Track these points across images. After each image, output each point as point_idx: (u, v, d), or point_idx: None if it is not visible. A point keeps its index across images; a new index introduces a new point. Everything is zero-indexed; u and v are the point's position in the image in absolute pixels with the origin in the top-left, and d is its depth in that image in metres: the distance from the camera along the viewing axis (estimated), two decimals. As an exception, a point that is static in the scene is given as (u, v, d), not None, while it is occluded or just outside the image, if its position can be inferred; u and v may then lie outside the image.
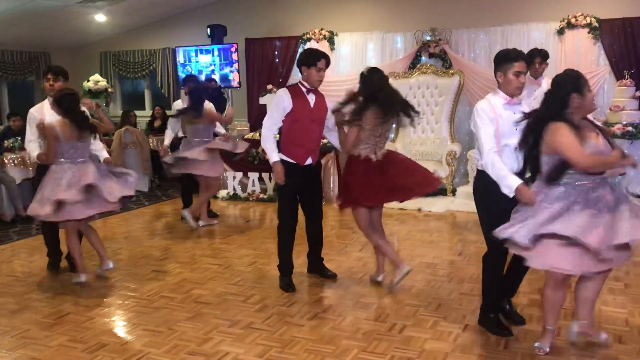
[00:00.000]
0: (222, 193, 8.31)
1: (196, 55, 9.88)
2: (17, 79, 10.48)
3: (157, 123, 9.96)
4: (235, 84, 9.75)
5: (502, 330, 3.68)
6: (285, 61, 9.50)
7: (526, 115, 3.38)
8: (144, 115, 10.61)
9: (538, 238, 3.17)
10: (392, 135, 8.25)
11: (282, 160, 4.45)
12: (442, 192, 7.85)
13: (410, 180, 4.37)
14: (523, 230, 3.20)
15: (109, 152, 5.78)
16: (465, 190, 7.65)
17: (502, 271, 3.73)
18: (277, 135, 4.63)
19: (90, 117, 4.89)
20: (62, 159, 4.61)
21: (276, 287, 4.60)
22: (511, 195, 3.37)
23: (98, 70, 10.73)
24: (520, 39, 8.16)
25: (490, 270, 3.71)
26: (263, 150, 8.25)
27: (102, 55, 10.99)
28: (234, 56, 9.65)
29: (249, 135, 8.56)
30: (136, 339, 3.74)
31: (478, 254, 5.35)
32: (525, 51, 4.46)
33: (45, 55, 10.69)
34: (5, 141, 7.55)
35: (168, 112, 9.80)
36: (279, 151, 4.46)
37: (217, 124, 6.87)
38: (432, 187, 4.49)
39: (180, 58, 10.01)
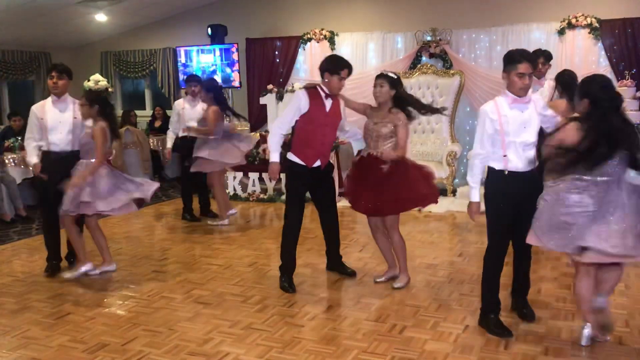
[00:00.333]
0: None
1: (197, 55, 9.88)
2: (17, 79, 10.49)
3: (157, 123, 9.97)
4: (235, 84, 9.75)
5: (502, 331, 3.68)
6: (286, 61, 9.51)
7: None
8: (144, 115, 10.62)
9: None
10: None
11: (290, 161, 4.49)
12: (442, 192, 7.83)
13: (406, 194, 4.39)
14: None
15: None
16: (466, 191, 7.62)
17: (500, 272, 3.74)
18: (289, 135, 4.66)
19: None
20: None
21: (276, 288, 4.60)
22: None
23: (98, 69, 10.73)
24: (520, 39, 8.16)
25: (491, 271, 3.72)
26: (264, 150, 8.31)
27: (103, 55, 10.99)
28: (235, 56, 9.66)
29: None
30: (136, 339, 3.74)
31: (478, 254, 5.36)
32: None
33: (46, 55, 10.69)
34: (6, 141, 7.56)
35: (168, 112, 9.81)
36: (290, 150, 4.50)
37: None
38: (424, 204, 4.64)
39: (182, 58, 10.01)
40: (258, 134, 8.65)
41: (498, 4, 8.38)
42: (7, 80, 10.44)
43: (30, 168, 5.05)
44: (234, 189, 8.23)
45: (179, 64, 10.08)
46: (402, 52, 8.89)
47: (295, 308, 4.22)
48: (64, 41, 10.53)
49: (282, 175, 7.89)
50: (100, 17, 9.45)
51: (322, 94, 4.45)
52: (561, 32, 7.97)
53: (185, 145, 6.86)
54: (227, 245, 5.97)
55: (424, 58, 8.70)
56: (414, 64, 8.72)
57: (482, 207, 3.71)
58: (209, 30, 9.66)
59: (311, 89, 4.48)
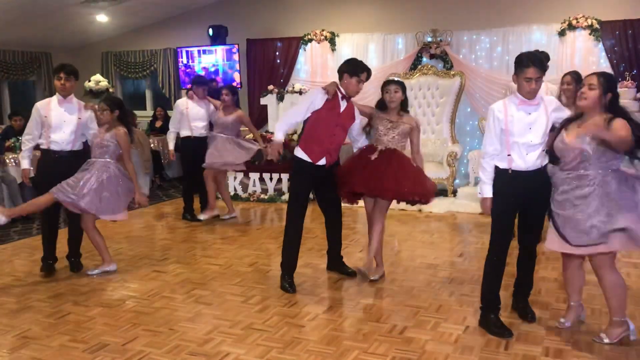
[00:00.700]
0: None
1: (199, 56, 9.89)
2: (18, 79, 10.50)
3: (158, 123, 9.98)
4: (236, 84, 9.75)
5: (502, 331, 3.68)
6: (287, 62, 9.52)
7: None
8: (145, 116, 10.63)
9: None
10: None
11: (296, 158, 4.54)
12: (443, 193, 7.85)
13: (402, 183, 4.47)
14: None
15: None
16: (466, 192, 7.65)
17: (502, 272, 3.74)
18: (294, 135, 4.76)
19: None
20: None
21: (277, 288, 4.60)
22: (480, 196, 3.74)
23: (99, 70, 10.74)
24: (521, 40, 8.17)
25: (492, 271, 3.73)
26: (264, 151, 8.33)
27: (104, 55, 11.00)
28: (235, 57, 9.66)
29: (250, 136, 8.55)
30: (137, 339, 3.74)
31: (479, 255, 5.37)
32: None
33: (47, 56, 10.70)
34: (7, 140, 7.57)
35: (169, 113, 9.81)
36: (298, 143, 4.58)
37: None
38: (421, 199, 4.63)
39: (183, 59, 10.02)
40: (259, 134, 8.65)
41: (499, 5, 8.39)
42: (7, 81, 10.45)
43: (31, 168, 5.06)
44: (235, 189, 8.24)
45: (180, 64, 10.08)
46: (402, 53, 8.90)
47: (296, 308, 4.22)
48: (65, 41, 10.54)
49: (284, 176, 7.97)
50: (101, 18, 9.46)
51: (339, 95, 4.51)
52: (562, 33, 7.97)
53: (186, 146, 6.87)
54: (227, 245, 5.97)
55: (424, 59, 8.71)
56: (415, 64, 8.73)
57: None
58: (210, 30, 9.67)
59: (330, 89, 4.53)
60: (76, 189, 4.72)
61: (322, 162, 4.53)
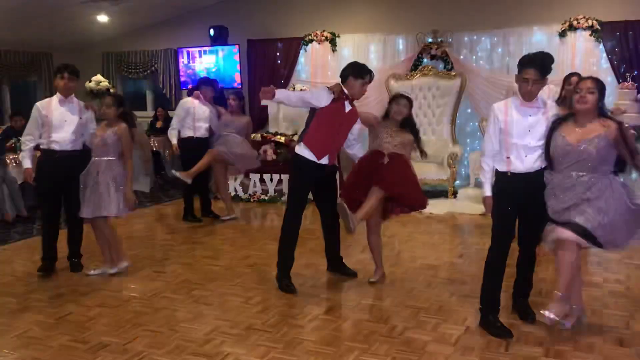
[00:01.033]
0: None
1: (200, 57, 9.89)
2: (19, 80, 10.50)
3: (159, 124, 9.98)
4: (237, 85, 9.76)
5: (502, 332, 3.68)
6: (287, 62, 9.52)
7: None
8: (145, 116, 10.62)
9: None
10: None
11: (297, 156, 4.55)
12: (443, 194, 7.85)
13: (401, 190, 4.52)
14: None
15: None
16: (467, 193, 7.66)
17: (502, 274, 3.75)
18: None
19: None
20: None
21: (277, 288, 4.60)
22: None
23: (100, 70, 10.74)
24: (522, 41, 8.18)
25: (492, 271, 3.73)
26: (265, 151, 8.34)
27: (105, 56, 11.01)
28: (236, 57, 9.67)
29: (251, 136, 8.56)
30: (138, 340, 3.74)
31: (479, 256, 5.37)
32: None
33: (48, 56, 10.70)
34: (8, 140, 7.57)
35: (171, 114, 9.81)
36: (301, 140, 4.57)
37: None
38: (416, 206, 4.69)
39: (184, 59, 10.02)
40: (259, 135, 8.67)
41: (499, 6, 8.39)
42: (8, 81, 10.45)
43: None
44: (235, 190, 8.24)
45: (181, 64, 10.09)
46: (403, 54, 8.91)
47: (296, 309, 4.22)
48: (66, 42, 10.54)
49: (284, 177, 7.97)
50: (102, 18, 9.46)
51: (344, 96, 4.55)
52: (562, 34, 7.97)
53: (188, 146, 6.87)
54: (228, 245, 5.98)
55: (425, 60, 8.71)
56: (415, 65, 8.73)
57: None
58: (211, 31, 9.68)
59: (335, 89, 4.56)
60: (101, 200, 4.83)
61: (325, 160, 4.54)
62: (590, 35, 7.82)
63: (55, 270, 5.10)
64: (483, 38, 8.50)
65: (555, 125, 3.56)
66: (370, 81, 4.60)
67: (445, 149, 8.07)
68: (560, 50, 7.91)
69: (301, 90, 8.84)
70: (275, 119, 9.05)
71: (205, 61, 9.89)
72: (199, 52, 9.90)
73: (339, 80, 4.59)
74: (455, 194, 7.84)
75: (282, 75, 9.54)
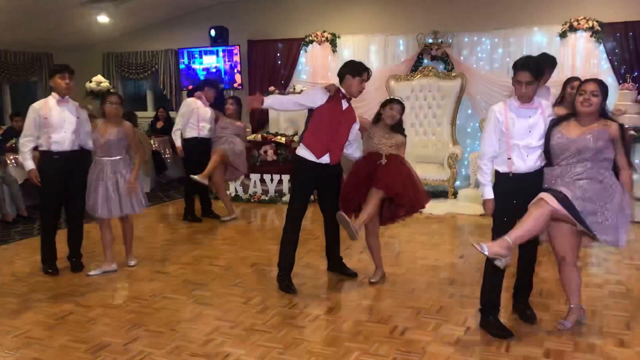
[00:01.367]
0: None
1: (200, 57, 9.89)
2: (19, 80, 10.50)
3: (159, 124, 9.97)
4: (237, 85, 9.76)
5: (503, 333, 3.68)
6: (288, 63, 9.51)
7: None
8: (146, 117, 10.62)
9: None
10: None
11: (299, 157, 4.58)
12: (443, 194, 7.86)
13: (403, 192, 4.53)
14: None
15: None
16: (467, 193, 7.66)
17: (503, 274, 3.74)
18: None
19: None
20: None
21: (278, 289, 4.60)
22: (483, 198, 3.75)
23: (100, 71, 10.73)
24: (522, 42, 8.17)
25: (492, 273, 3.73)
26: (265, 152, 8.36)
27: (105, 56, 11.00)
28: (236, 58, 9.67)
29: (251, 137, 8.57)
30: (138, 340, 3.74)
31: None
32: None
33: (48, 56, 10.70)
34: (8, 141, 7.57)
35: (172, 114, 9.82)
36: (300, 141, 4.62)
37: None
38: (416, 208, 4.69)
39: (184, 60, 10.02)
40: (260, 136, 8.67)
41: (499, 7, 8.39)
42: (9, 81, 10.45)
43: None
44: (236, 190, 8.25)
45: (181, 65, 10.09)
46: (403, 54, 8.90)
47: (297, 309, 4.22)
48: (66, 42, 10.54)
49: (284, 177, 7.97)
50: (103, 19, 9.46)
51: (340, 94, 4.57)
52: (563, 35, 7.97)
53: (191, 146, 6.88)
54: (228, 246, 5.98)
55: (425, 60, 8.71)
56: (416, 66, 8.72)
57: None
58: (211, 31, 9.68)
59: (330, 87, 4.59)
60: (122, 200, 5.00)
61: (326, 159, 4.54)
62: (591, 36, 7.82)
63: (57, 270, 5.10)
64: (483, 39, 8.49)
65: (554, 124, 3.59)
66: (367, 79, 4.60)
67: (446, 149, 8.07)
68: (560, 51, 7.90)
69: (301, 91, 8.87)
70: (275, 120, 9.05)
71: (205, 62, 9.89)
72: (200, 52, 9.90)
73: (338, 80, 4.61)
74: (455, 194, 7.84)
75: (283, 76, 9.54)
